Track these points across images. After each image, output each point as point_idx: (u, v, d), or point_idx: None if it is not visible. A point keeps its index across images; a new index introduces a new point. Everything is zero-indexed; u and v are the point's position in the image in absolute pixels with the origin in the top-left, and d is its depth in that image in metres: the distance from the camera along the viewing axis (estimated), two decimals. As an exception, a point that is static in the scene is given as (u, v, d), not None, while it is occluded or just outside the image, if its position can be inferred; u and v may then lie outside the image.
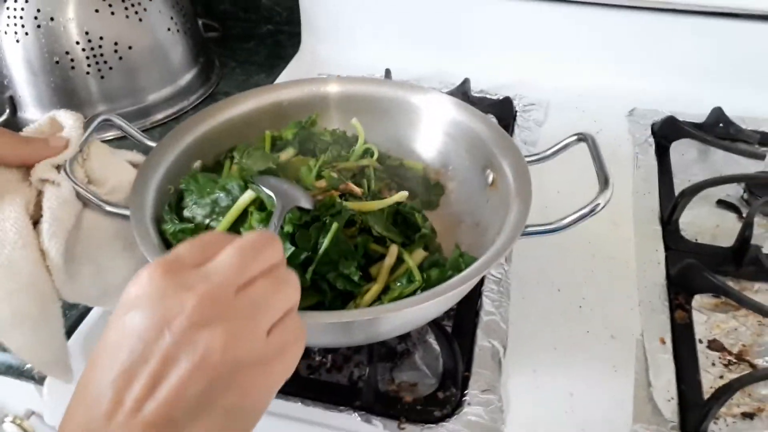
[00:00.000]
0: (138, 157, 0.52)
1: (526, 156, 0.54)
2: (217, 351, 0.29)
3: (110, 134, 0.78)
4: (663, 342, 0.54)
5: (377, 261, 0.50)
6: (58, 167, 0.45)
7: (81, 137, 0.47)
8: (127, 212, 0.46)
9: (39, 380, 0.53)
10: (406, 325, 0.47)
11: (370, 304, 0.47)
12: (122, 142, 0.73)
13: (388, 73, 0.85)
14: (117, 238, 0.48)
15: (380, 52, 0.90)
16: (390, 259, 0.50)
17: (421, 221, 0.53)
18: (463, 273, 0.43)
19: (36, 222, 0.43)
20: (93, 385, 0.29)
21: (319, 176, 0.52)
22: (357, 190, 0.53)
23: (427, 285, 0.47)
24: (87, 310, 0.56)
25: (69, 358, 0.47)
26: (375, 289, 0.48)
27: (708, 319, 0.56)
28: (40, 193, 0.44)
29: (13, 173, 0.45)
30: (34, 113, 0.79)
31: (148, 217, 0.46)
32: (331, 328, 0.41)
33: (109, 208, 0.46)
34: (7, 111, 0.78)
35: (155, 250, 0.44)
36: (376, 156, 0.59)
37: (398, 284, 0.49)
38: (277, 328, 0.32)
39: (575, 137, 0.54)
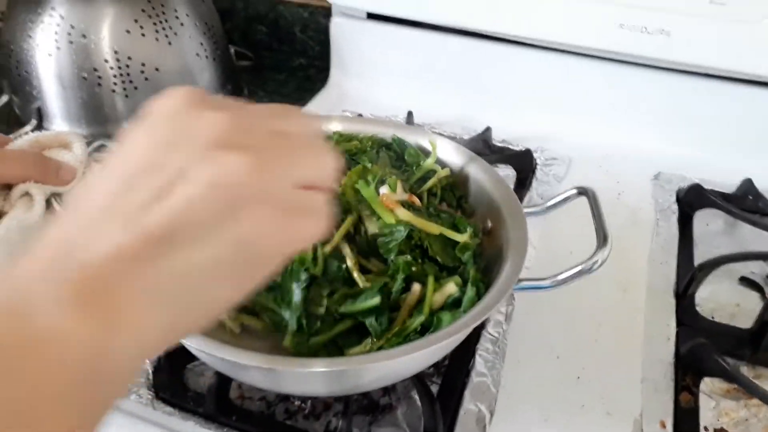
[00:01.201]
0: None
1: (524, 207, 0.52)
2: (239, 174, 0.25)
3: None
4: (663, 426, 0.50)
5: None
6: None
7: (82, 170, 0.47)
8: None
9: None
10: (378, 381, 0.45)
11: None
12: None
13: (410, 115, 0.84)
14: None
15: (405, 94, 0.90)
16: (412, 298, 0.47)
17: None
18: (446, 329, 0.41)
19: None
20: (86, 196, 0.26)
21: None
22: (418, 201, 0.51)
23: (437, 328, 0.45)
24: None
25: None
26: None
27: (716, 406, 0.52)
28: (5, 197, 0.44)
29: None
30: (60, 125, 0.80)
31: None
32: (289, 376, 0.39)
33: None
34: (34, 121, 0.80)
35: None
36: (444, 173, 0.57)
37: (411, 316, 0.46)
38: (305, 191, 0.28)
39: (575, 191, 0.53)
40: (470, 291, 0.46)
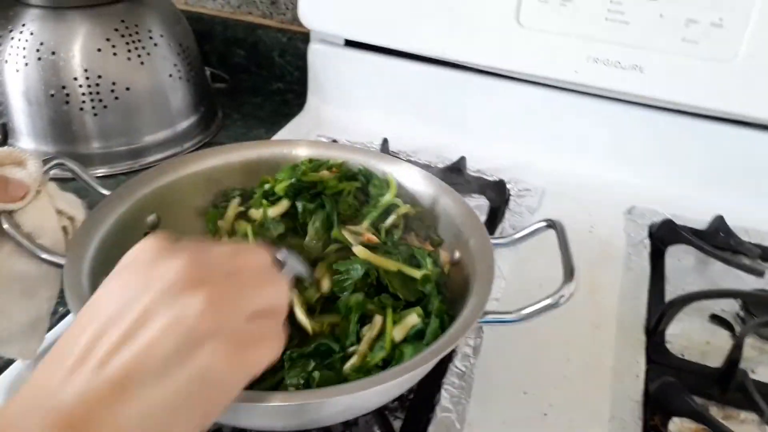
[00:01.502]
0: (72, 207, 0.49)
1: (492, 238, 0.51)
2: (195, 313, 0.29)
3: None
4: (630, 466, 0.49)
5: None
6: None
7: (36, 187, 0.46)
8: (61, 261, 0.43)
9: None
10: (338, 415, 0.43)
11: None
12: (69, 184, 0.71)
13: (385, 142, 0.84)
14: (14, 281, 0.45)
15: (381, 121, 0.90)
16: (372, 332, 0.46)
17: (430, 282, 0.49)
18: (407, 363, 0.40)
19: None
20: (64, 343, 0.29)
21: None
22: (375, 239, 0.51)
23: (399, 362, 0.44)
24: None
25: None
26: (352, 362, 0.45)
27: (686, 446, 0.51)
28: None
29: None
30: (26, 142, 0.78)
31: (85, 270, 0.44)
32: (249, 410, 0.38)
33: (44, 255, 0.43)
34: (-1, 137, 0.78)
35: (81, 304, 0.41)
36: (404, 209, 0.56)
37: (371, 351, 0.45)
38: (258, 319, 0.32)
39: (544, 223, 0.52)
40: (434, 323, 0.45)
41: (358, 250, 0.47)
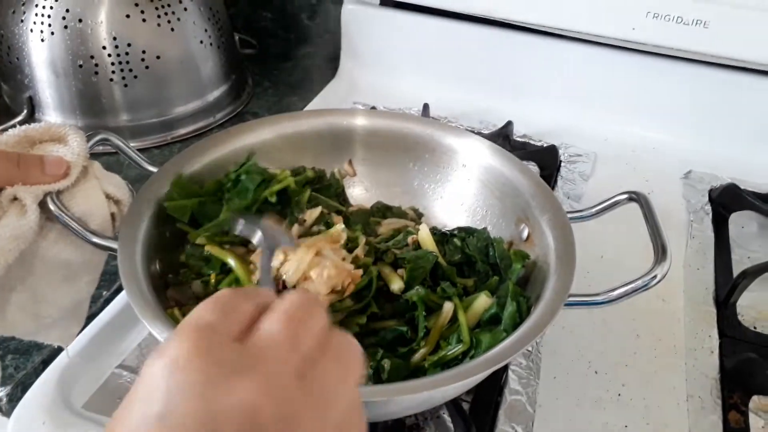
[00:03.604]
0: (119, 190, 0.46)
1: (567, 212, 0.47)
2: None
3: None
4: (714, 449, 0.46)
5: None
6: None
7: (81, 164, 0.42)
8: (114, 245, 0.40)
9: (5, 412, 0.48)
10: (410, 409, 0.40)
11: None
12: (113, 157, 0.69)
13: (426, 107, 0.80)
14: (58, 267, 0.42)
15: (420, 85, 0.86)
16: (443, 320, 0.44)
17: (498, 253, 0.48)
18: (491, 353, 0.37)
19: None
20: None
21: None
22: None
23: (476, 350, 0.41)
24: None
25: None
26: (422, 352, 0.43)
27: (766, 425, 0.49)
28: None
29: None
30: (52, 116, 0.75)
31: (139, 254, 0.41)
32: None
33: (97, 241, 0.41)
34: (25, 111, 0.74)
35: (139, 292, 0.38)
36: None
37: (448, 344, 0.43)
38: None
39: (626, 196, 0.48)
40: (510, 306, 0.42)
41: (424, 232, 0.44)
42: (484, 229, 0.52)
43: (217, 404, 0.22)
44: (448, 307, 0.43)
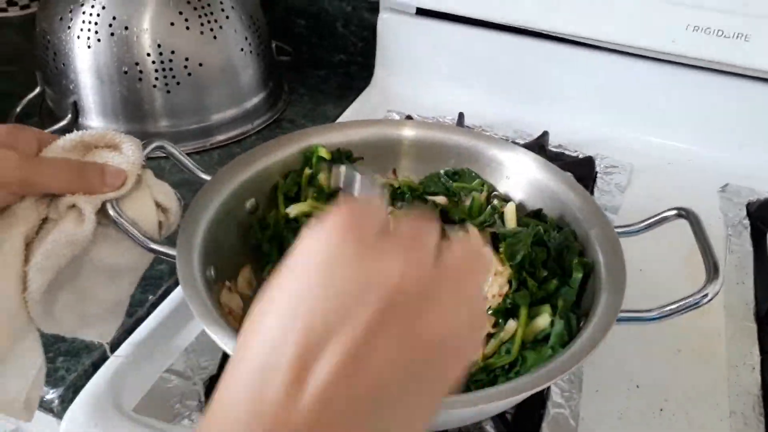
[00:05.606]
0: (168, 198, 0.46)
1: (615, 227, 0.48)
2: (432, 323, 0.25)
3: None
4: (758, 467, 0.46)
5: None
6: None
7: (137, 173, 0.43)
8: (172, 251, 0.41)
9: (57, 413, 0.49)
10: (456, 422, 0.41)
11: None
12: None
13: (461, 117, 0.80)
14: (106, 269, 0.43)
15: (454, 94, 0.86)
16: (503, 336, 0.45)
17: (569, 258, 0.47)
18: (542, 371, 0.37)
19: (29, 242, 0.39)
20: (260, 349, 0.24)
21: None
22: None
23: (522, 366, 0.42)
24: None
25: (35, 401, 0.42)
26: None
27: (809, 444, 0.49)
28: (49, 204, 0.40)
29: None
30: (95, 121, 0.77)
31: (196, 260, 0.42)
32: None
33: (154, 246, 0.41)
34: (69, 116, 0.76)
35: (199, 297, 0.39)
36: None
37: (498, 353, 0.44)
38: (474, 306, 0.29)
39: (674, 212, 0.48)
40: (558, 325, 0.42)
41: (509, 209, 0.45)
42: (570, 228, 0.51)
43: (369, 269, 0.25)
44: (510, 326, 0.43)
